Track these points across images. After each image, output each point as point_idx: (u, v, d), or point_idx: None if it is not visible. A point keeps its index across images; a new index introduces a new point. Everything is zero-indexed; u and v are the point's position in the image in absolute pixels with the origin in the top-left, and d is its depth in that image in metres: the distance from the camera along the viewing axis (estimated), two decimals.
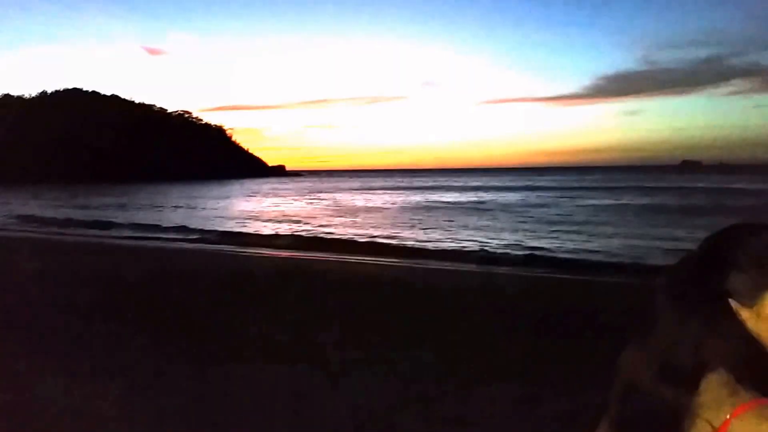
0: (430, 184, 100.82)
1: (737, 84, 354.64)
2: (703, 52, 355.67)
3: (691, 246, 1.15)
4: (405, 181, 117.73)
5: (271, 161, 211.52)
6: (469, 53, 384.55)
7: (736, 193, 53.88)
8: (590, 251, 18.50)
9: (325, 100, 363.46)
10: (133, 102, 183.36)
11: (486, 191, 68.51)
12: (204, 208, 44.46)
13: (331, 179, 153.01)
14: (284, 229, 27.85)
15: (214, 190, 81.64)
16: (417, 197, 58.53)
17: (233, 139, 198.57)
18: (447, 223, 29.41)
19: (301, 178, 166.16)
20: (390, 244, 21.13)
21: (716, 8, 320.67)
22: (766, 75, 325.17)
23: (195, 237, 23.71)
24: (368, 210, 41.23)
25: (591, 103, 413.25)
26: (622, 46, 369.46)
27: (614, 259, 16.51)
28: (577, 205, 41.64)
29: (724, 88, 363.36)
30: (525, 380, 5.40)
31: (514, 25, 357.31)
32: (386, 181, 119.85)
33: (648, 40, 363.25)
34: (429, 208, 42.33)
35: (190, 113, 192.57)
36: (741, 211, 33.25)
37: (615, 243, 20.32)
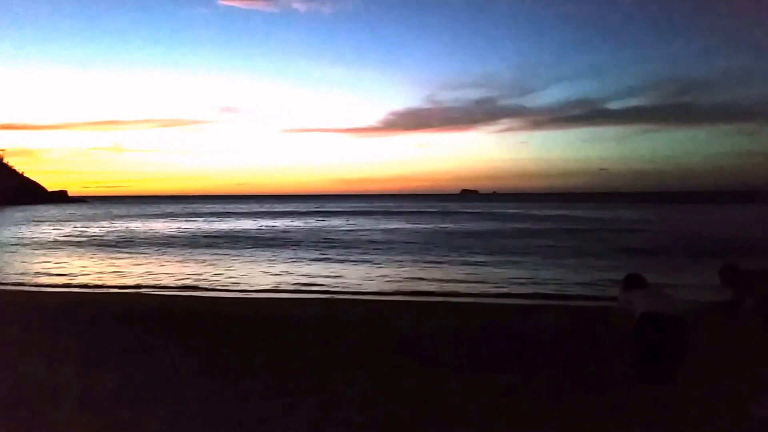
0: (220, 210, 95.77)
1: (506, 122, 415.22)
2: (477, 94, 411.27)
3: None
4: (194, 208, 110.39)
5: (52, 186, 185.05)
6: (269, 83, 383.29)
7: (512, 217, 59.29)
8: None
9: (113, 122, 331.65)
10: None
11: (274, 218, 66.28)
12: None
13: (116, 205, 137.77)
14: None
15: None
16: (197, 225, 53.97)
17: (5, 161, 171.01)
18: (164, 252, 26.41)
19: (83, 205, 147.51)
20: None
21: (488, 57, 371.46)
22: (529, 115, 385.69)
23: None
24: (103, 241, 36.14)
25: (385, 135, 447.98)
26: (410, 86, 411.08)
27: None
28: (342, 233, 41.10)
29: (495, 126, 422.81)
30: None
31: (312, 59, 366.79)
32: (174, 208, 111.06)
33: (431, 82, 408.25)
34: (190, 236, 38.66)
35: None
36: (514, 234, 35.66)
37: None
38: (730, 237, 29.67)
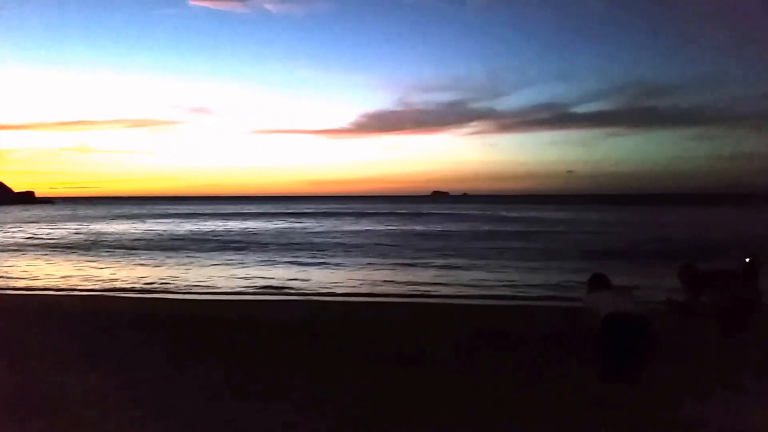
0: (189, 211, 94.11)
1: (476, 125, 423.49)
2: (448, 97, 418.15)
3: None
4: (163, 209, 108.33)
5: (19, 187, 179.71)
6: (240, 84, 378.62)
7: (481, 219, 59.80)
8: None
9: (81, 122, 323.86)
10: None
11: (244, 219, 65.61)
12: None
13: (84, 207, 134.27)
14: None
15: None
16: (165, 227, 53.03)
17: None
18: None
19: (50, 206, 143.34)
20: None
21: (459, 60, 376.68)
22: (498, 118, 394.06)
23: None
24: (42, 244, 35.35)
25: (356, 137, 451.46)
26: (382, 88, 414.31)
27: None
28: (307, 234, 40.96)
29: (465, 129, 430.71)
30: None
31: (284, 60, 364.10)
32: (143, 209, 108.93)
33: (403, 84, 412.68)
34: (145, 239, 38.01)
35: None
36: (484, 235, 35.98)
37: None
38: (691, 239, 30.46)
